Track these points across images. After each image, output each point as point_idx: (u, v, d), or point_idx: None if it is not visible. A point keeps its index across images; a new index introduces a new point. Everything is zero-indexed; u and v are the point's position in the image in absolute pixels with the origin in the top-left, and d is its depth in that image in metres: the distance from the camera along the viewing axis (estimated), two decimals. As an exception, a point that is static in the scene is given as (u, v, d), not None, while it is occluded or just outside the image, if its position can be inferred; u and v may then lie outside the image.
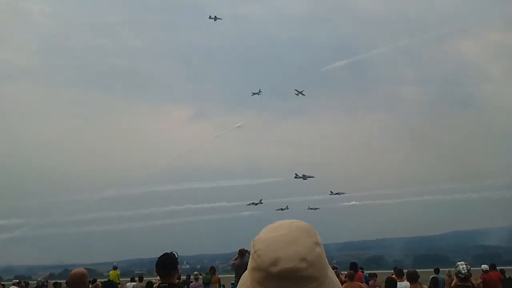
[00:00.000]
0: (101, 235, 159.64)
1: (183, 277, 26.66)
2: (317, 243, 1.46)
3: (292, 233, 1.40)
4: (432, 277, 18.14)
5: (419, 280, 11.87)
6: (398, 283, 13.16)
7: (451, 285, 11.09)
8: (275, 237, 1.37)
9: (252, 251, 1.37)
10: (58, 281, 30.08)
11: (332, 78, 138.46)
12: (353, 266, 17.06)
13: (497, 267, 19.79)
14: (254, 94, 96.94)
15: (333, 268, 3.68)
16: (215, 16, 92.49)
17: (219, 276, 24.85)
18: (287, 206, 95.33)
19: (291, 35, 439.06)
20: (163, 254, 6.18)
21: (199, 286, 17.39)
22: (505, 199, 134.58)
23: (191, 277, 24.28)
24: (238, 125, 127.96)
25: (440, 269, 24.50)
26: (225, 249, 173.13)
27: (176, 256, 6.24)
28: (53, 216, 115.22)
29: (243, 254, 14.60)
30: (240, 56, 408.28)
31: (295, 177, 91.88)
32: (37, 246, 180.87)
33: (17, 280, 27.86)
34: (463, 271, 9.54)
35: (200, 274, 21.81)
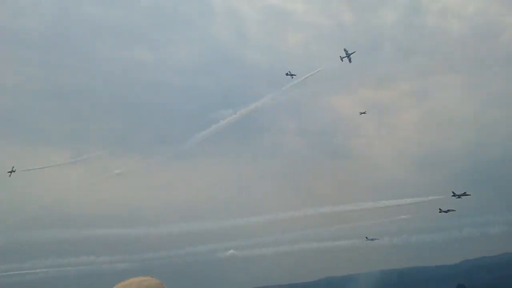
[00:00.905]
0: None
1: None
2: None
3: None
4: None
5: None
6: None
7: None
8: None
9: None
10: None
11: (218, 126, 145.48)
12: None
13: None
14: None
15: None
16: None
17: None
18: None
19: (178, 82, 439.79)
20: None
21: None
22: (373, 245, 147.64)
23: None
24: (117, 171, 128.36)
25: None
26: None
27: None
28: None
29: None
30: (123, 100, 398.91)
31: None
32: None
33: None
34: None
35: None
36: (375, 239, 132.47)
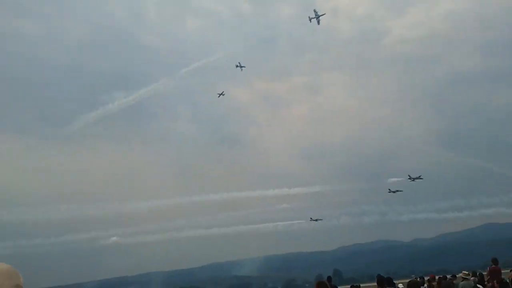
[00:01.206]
0: None
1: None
2: (17, 286, 1.45)
3: None
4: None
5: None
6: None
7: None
8: None
9: None
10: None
11: (108, 108, 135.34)
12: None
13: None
14: None
15: None
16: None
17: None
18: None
19: (65, 59, 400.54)
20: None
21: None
22: (259, 230, 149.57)
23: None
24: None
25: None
26: None
27: None
28: None
29: None
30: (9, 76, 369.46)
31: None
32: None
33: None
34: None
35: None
36: (319, 219, 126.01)
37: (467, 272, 21.14)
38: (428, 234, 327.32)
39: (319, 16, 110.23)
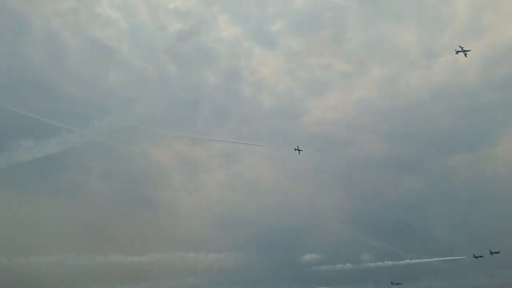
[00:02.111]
0: None
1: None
2: None
3: None
4: None
5: None
6: None
7: None
8: None
9: None
10: None
11: (15, 156, 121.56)
12: None
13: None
14: None
15: None
16: None
17: None
18: None
19: None
20: None
21: None
22: None
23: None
24: None
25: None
26: None
27: None
28: None
29: None
30: None
31: None
32: None
33: None
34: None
35: None
36: None
37: None
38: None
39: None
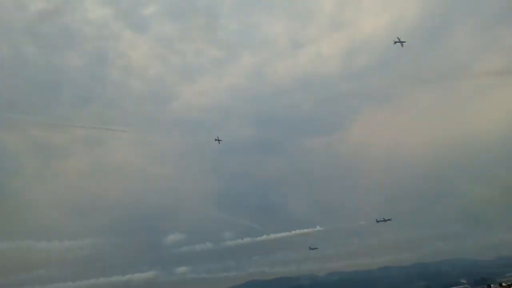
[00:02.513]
0: None
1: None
2: None
3: None
4: None
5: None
6: None
7: None
8: None
9: None
10: None
11: None
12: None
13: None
14: None
15: None
16: None
17: None
18: None
19: None
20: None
21: None
22: None
23: None
24: None
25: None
26: None
27: None
28: None
29: None
30: None
31: None
32: None
33: None
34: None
35: None
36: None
37: None
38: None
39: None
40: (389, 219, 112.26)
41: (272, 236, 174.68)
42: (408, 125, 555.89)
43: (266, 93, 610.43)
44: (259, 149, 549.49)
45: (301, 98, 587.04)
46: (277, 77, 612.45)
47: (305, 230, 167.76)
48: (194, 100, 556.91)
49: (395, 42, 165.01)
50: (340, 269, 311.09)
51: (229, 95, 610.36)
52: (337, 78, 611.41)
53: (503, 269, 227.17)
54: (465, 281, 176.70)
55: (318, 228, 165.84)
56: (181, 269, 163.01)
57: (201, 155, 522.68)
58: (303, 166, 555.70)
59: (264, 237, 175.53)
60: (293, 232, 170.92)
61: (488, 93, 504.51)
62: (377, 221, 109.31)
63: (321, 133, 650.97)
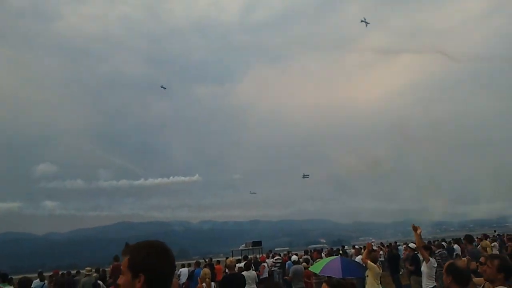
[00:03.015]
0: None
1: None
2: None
3: None
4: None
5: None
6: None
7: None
8: None
9: None
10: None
11: None
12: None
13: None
14: None
15: None
16: None
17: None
18: None
19: None
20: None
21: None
22: None
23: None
24: None
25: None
26: None
27: None
28: None
29: None
30: None
31: None
32: None
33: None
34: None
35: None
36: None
37: (89, 268, 19.49)
38: (63, 229, 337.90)
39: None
40: (308, 175, 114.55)
41: (150, 181, 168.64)
42: (295, 87, 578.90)
43: (160, 32, 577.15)
44: (146, 89, 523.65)
45: (196, 44, 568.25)
46: (172, 16, 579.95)
47: (184, 178, 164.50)
48: (81, 24, 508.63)
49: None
50: (212, 219, 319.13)
51: (121, 26, 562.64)
52: (235, 28, 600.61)
53: (358, 233, 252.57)
54: (324, 241, 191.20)
55: (197, 177, 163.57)
56: (49, 204, 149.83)
57: (82, 85, 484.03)
58: (190, 113, 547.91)
59: (142, 181, 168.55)
60: (171, 178, 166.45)
61: (371, 68, 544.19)
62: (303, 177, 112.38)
63: (212, 83, 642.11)
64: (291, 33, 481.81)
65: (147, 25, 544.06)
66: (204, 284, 9.17)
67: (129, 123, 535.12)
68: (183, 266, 23.32)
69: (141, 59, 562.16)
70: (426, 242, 18.98)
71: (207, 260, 26.43)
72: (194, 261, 24.57)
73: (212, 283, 8.79)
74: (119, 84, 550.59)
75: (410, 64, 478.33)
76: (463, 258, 9.08)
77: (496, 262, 4.38)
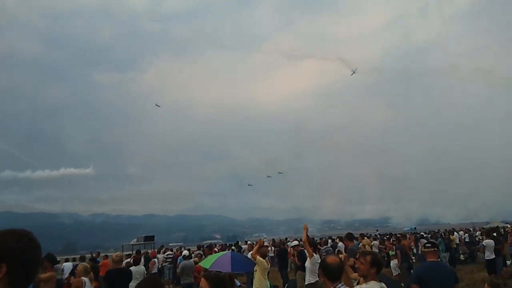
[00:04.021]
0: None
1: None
2: None
3: None
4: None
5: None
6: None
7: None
8: None
9: None
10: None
11: None
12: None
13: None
14: None
15: None
16: None
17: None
18: None
19: None
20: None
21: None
22: None
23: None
24: None
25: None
26: None
27: None
28: None
29: None
30: None
31: None
32: None
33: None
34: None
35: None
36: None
37: None
38: None
39: None
40: (281, 173, 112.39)
41: (38, 173, 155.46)
42: (200, 82, 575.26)
43: (61, 10, 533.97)
44: (41, 70, 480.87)
45: (100, 27, 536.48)
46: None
47: (74, 171, 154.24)
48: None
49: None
50: (105, 212, 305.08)
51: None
52: (145, 15, 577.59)
53: (252, 229, 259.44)
54: (219, 236, 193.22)
55: (90, 169, 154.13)
56: None
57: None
58: (88, 100, 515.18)
59: (28, 173, 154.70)
60: (61, 170, 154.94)
61: (276, 69, 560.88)
62: (269, 176, 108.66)
63: (114, 69, 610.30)
64: (200, 27, 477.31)
65: (47, 2, 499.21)
66: (85, 278, 8.64)
67: (19, 106, 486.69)
68: (67, 260, 22.11)
69: (37, 37, 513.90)
70: (313, 238, 19.98)
71: (94, 254, 25.37)
72: (79, 256, 23.19)
73: (85, 279, 8.19)
74: (10, 62, 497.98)
75: (313, 69, 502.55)
76: (341, 255, 9.64)
77: (368, 258, 4.76)
